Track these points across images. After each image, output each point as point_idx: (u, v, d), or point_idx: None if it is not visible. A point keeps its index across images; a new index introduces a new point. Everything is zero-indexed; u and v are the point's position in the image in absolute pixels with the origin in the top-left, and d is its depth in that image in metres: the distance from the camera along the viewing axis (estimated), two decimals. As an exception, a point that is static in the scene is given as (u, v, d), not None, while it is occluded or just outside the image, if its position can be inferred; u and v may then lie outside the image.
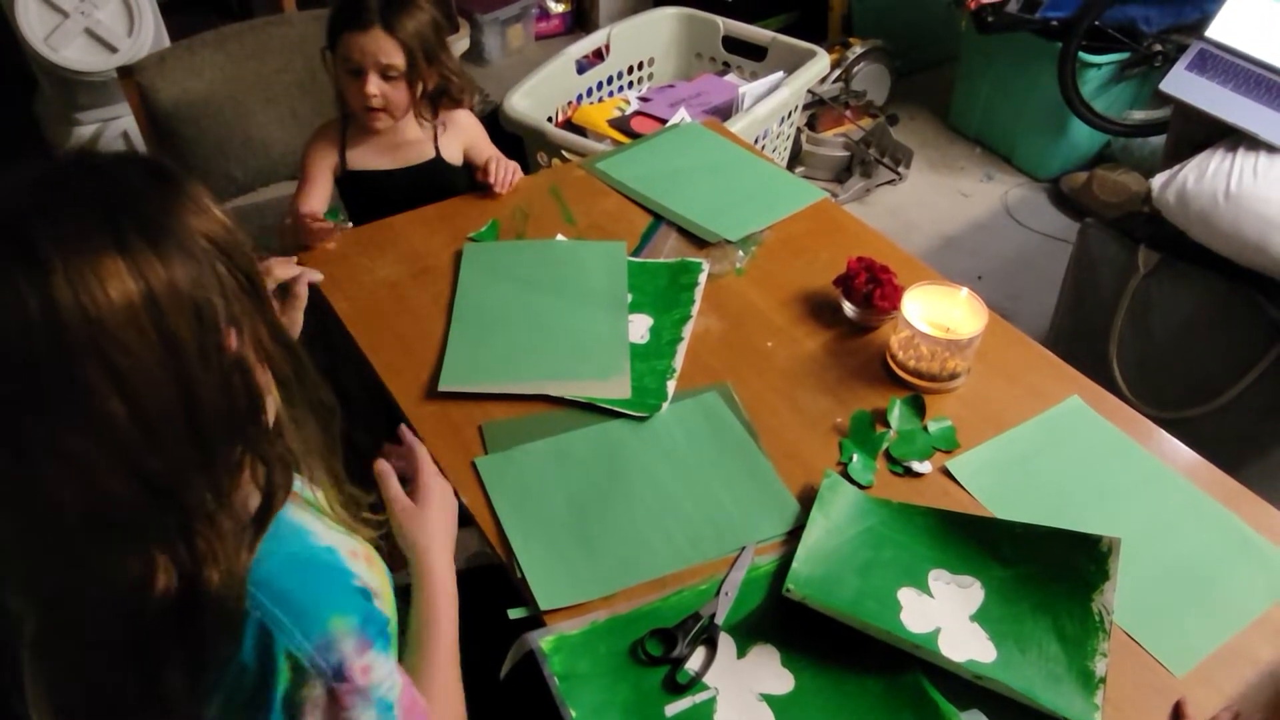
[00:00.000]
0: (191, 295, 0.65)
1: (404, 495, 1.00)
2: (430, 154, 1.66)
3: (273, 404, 0.76)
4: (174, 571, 0.68)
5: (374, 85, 1.51)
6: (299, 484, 0.81)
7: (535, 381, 1.26)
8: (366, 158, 1.64)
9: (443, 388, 1.25)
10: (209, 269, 0.67)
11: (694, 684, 0.95)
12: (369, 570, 0.82)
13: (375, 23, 1.48)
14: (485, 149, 1.71)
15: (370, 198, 1.64)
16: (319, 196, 1.61)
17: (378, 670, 0.75)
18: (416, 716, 0.79)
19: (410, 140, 1.65)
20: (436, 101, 1.63)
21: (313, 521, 0.81)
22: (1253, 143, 1.85)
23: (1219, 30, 1.99)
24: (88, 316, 0.61)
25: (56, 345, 0.61)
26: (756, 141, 2.42)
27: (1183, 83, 1.96)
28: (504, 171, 1.62)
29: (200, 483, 0.68)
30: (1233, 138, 1.88)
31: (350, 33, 1.50)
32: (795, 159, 2.92)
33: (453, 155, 1.69)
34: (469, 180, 1.70)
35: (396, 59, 1.50)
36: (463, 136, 1.70)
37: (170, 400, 0.65)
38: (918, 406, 1.24)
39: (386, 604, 0.84)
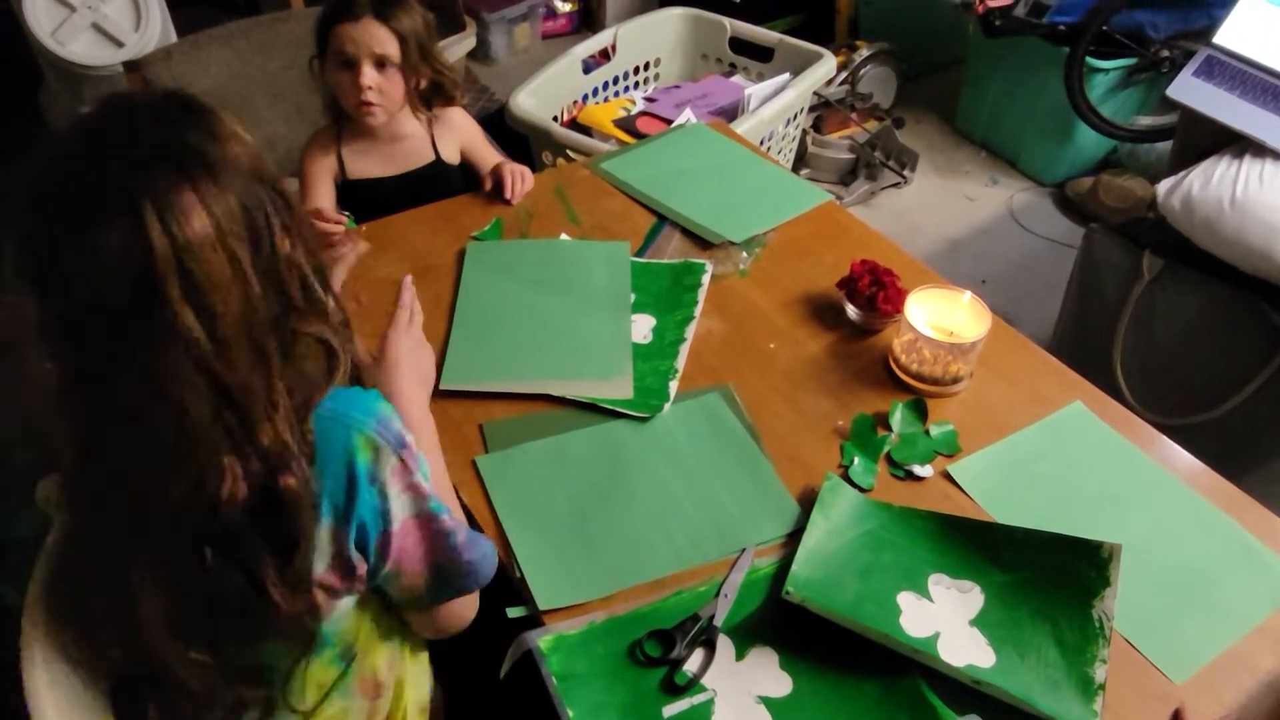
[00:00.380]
0: (248, 214, 0.74)
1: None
2: (429, 155, 1.66)
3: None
4: (243, 475, 0.75)
5: (369, 76, 1.51)
6: None
7: (537, 380, 1.26)
8: (366, 165, 1.64)
9: (444, 386, 1.25)
10: (256, 186, 0.76)
11: (692, 685, 0.95)
12: None
13: (367, 12, 1.49)
14: (487, 153, 1.71)
15: (372, 206, 1.63)
16: (323, 198, 1.61)
17: (412, 439, 0.87)
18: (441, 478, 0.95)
19: (407, 134, 1.64)
20: (430, 98, 1.63)
21: None
22: (1259, 149, 1.85)
23: (1226, 36, 1.98)
24: (177, 248, 0.69)
25: (151, 278, 0.69)
26: (762, 143, 2.42)
27: (1190, 89, 1.95)
28: (518, 181, 1.60)
29: (261, 383, 0.76)
30: (1239, 144, 1.88)
31: (342, 24, 1.50)
32: (800, 161, 2.92)
33: (450, 155, 1.69)
34: (467, 179, 1.70)
35: (390, 48, 1.51)
36: (459, 136, 1.70)
37: (237, 310, 0.73)
38: (920, 410, 1.23)
39: None
